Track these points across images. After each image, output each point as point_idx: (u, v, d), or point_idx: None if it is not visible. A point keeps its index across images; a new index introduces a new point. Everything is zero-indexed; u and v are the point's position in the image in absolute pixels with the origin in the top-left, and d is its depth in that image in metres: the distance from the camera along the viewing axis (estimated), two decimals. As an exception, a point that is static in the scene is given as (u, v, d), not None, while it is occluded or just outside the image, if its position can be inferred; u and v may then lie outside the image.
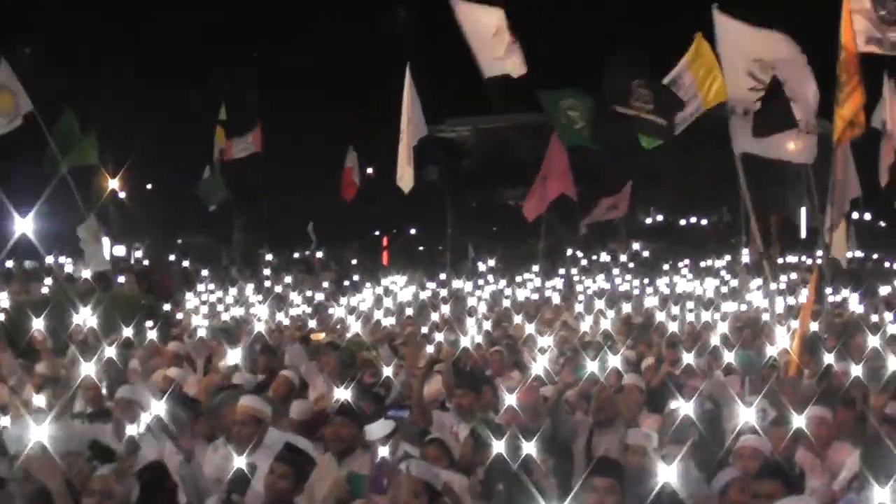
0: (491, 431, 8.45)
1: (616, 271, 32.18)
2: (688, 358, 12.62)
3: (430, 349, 12.21)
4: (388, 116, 21.76)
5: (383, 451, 8.83)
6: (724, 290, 28.27)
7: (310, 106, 53.87)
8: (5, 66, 19.42)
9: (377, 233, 54.55)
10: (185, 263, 34.90)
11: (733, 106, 17.44)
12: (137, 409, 9.53)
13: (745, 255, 30.41)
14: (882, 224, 39.31)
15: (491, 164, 56.30)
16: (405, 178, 18.94)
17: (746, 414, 8.92)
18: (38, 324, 12.55)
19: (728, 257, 32.39)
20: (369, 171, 47.32)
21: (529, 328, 15.27)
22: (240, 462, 7.43)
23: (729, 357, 12.84)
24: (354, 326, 15.82)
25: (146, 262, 35.67)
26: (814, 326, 15.47)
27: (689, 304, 21.54)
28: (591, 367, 9.87)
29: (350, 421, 8.78)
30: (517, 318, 16.93)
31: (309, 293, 26.59)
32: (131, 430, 8.92)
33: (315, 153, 47.88)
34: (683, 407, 9.67)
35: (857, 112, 17.55)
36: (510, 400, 8.91)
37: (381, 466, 8.73)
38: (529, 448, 7.56)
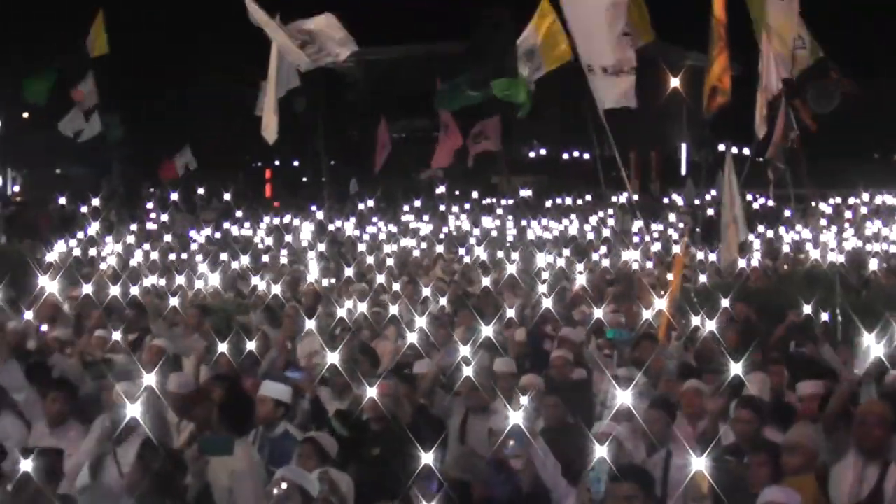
0: (342, 423, 8.56)
1: (500, 211, 32.24)
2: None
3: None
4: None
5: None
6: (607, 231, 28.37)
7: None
8: None
9: (259, 164, 54.01)
10: (62, 200, 33.97)
11: (589, 65, 17.76)
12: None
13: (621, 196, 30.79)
14: (760, 160, 39.80)
15: (375, 97, 55.93)
16: (270, 127, 18.65)
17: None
18: None
19: (615, 198, 32.46)
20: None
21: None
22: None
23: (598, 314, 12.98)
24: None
25: (20, 199, 34.71)
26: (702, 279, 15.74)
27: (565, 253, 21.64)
28: (464, 350, 9.95)
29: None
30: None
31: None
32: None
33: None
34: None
35: (720, 77, 17.95)
36: (371, 392, 8.96)
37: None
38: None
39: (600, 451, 7.32)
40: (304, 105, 40.88)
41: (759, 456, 7.98)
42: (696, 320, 12.51)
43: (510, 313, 13.15)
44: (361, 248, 22.60)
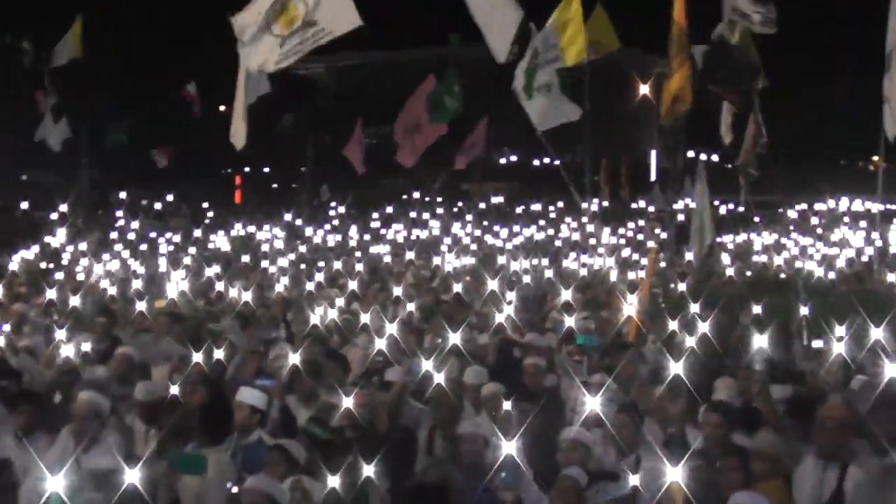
0: (321, 428, 8.51)
1: (469, 217, 32.24)
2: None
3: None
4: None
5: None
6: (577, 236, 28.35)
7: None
8: None
9: (229, 170, 53.67)
10: (24, 205, 33.75)
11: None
12: None
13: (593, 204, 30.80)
14: (728, 166, 40.28)
15: (346, 102, 55.88)
16: (238, 134, 18.55)
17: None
18: None
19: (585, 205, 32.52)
20: (221, 108, 46.50)
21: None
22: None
23: (570, 321, 12.96)
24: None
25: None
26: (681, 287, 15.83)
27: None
28: (427, 365, 9.94)
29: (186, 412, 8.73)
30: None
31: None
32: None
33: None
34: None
35: (682, 87, 18.16)
36: (346, 402, 8.92)
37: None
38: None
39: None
40: (291, 120, 41.01)
41: (730, 461, 8.03)
42: (673, 324, 12.51)
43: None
44: (332, 254, 22.60)
